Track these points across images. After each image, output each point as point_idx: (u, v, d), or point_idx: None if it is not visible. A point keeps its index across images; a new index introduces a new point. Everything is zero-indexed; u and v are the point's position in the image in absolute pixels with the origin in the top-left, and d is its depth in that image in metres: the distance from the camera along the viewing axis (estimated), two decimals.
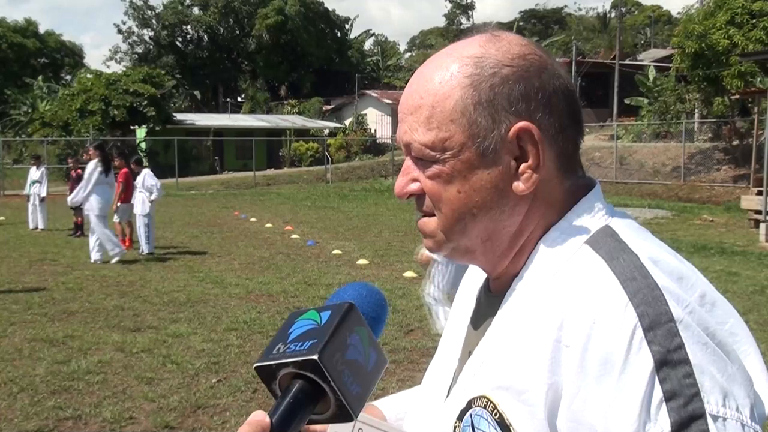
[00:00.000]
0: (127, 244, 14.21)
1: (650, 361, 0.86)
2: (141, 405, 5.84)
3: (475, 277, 1.23)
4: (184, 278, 11.53)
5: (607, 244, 0.98)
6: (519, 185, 1.01)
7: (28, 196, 18.74)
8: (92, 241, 13.21)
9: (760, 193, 17.92)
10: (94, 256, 13.05)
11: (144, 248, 13.85)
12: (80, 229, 16.69)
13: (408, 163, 1.07)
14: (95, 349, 7.41)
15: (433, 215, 1.06)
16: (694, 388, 0.84)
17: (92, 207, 13.16)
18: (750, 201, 19.37)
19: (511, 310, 1.03)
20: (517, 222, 1.04)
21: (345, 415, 0.82)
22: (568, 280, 0.96)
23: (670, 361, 0.85)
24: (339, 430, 0.99)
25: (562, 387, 0.91)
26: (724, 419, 0.84)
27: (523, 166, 1.01)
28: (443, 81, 1.02)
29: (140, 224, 13.94)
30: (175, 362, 6.93)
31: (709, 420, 0.83)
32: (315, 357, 0.78)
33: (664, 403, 0.84)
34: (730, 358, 0.90)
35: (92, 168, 13.29)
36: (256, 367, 0.85)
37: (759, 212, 17.64)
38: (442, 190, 1.03)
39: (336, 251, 14.29)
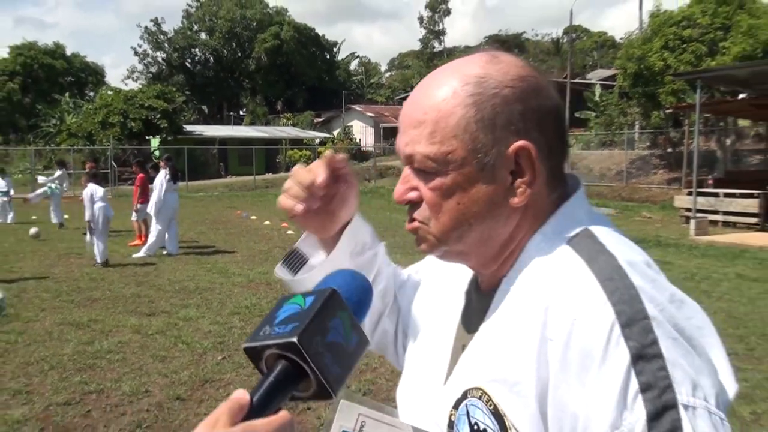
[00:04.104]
0: (141, 240, 14.13)
1: (627, 355, 0.83)
2: (155, 380, 5.82)
3: (458, 275, 1.16)
4: (193, 269, 11.49)
5: (588, 246, 0.94)
6: (514, 198, 0.97)
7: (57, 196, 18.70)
8: (150, 237, 13.24)
9: (690, 193, 18.08)
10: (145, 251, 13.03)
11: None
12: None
13: (407, 172, 1.02)
14: (115, 331, 7.37)
15: (424, 223, 1.01)
16: (667, 380, 0.82)
17: (159, 210, 13.11)
18: (682, 200, 19.56)
19: (500, 308, 0.99)
20: (509, 231, 1.00)
21: (325, 393, 0.78)
22: (552, 280, 0.92)
23: (646, 355, 0.83)
24: (342, 422, 0.92)
25: (548, 378, 0.88)
26: (694, 408, 0.82)
27: (518, 181, 0.97)
28: (447, 98, 0.96)
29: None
30: (186, 342, 6.91)
31: (681, 409, 0.81)
32: (294, 339, 0.75)
33: (639, 395, 0.81)
34: (696, 351, 0.86)
35: (162, 177, 13.24)
36: (244, 348, 0.81)
37: (689, 210, 17.81)
38: (442, 201, 0.98)
39: None
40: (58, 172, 19.16)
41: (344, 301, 0.83)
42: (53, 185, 18.54)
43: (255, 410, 0.75)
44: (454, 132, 0.95)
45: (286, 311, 0.81)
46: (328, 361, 0.77)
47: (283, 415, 0.75)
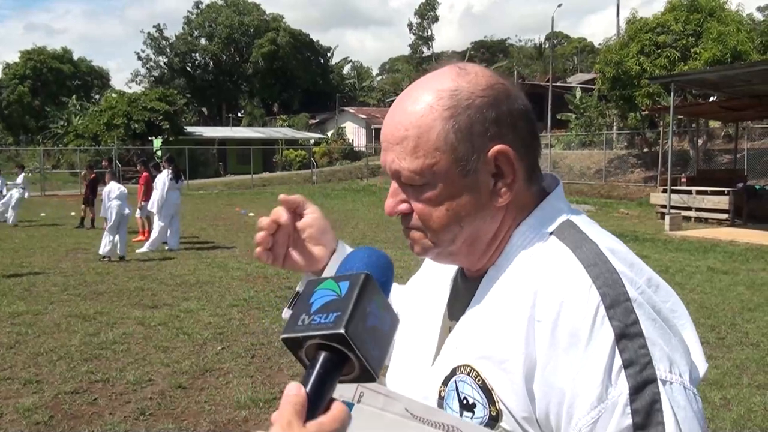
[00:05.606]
0: (145, 235, 14.08)
1: (611, 334, 0.85)
2: (158, 369, 5.82)
3: (445, 266, 1.15)
4: (193, 263, 11.46)
5: (571, 235, 0.96)
6: (498, 199, 0.98)
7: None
8: (153, 233, 13.15)
9: (665, 191, 18.15)
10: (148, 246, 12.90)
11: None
12: (90, 222, 16.53)
13: (395, 186, 1.02)
14: (120, 323, 7.35)
15: (420, 230, 1.02)
16: (647, 357, 0.84)
17: (161, 207, 13.02)
18: (657, 197, 19.65)
19: (488, 292, 1.00)
20: (495, 227, 1.01)
21: (368, 376, 0.76)
22: (540, 266, 0.94)
23: (628, 334, 0.85)
24: (342, 393, 0.86)
25: (536, 357, 0.89)
26: (671, 383, 0.85)
27: (500, 182, 0.98)
28: (425, 114, 0.97)
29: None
30: (187, 333, 6.90)
31: (660, 384, 0.84)
32: (342, 331, 0.71)
33: (623, 370, 0.84)
34: (672, 331, 0.90)
35: (164, 176, 13.17)
36: (283, 339, 0.76)
37: (664, 207, 17.86)
38: (433, 210, 0.99)
39: None
40: (21, 177, 18.82)
41: (377, 285, 0.79)
42: (20, 191, 18.29)
43: (312, 405, 0.72)
44: (436, 145, 0.96)
45: (322, 298, 0.77)
46: (370, 345, 0.75)
47: (342, 408, 0.73)
